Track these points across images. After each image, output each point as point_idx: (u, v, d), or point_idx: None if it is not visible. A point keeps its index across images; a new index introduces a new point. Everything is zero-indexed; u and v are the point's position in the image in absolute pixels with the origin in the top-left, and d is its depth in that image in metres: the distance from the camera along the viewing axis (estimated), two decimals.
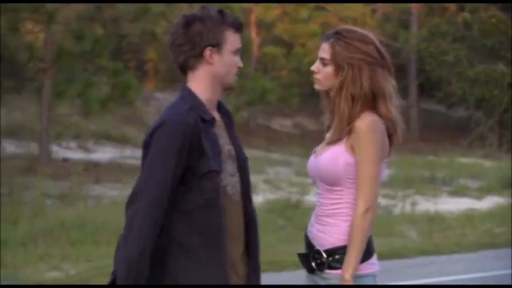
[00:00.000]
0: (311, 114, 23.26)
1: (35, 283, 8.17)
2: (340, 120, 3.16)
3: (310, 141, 21.23)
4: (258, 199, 13.00)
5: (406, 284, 8.35)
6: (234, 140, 3.12)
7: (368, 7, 24.48)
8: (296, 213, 11.91)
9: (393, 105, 3.22)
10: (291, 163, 17.46)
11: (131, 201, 2.94)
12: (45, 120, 15.31)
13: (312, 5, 22.37)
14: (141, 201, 2.91)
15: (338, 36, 3.20)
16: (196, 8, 3.14)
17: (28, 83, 16.51)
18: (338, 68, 3.18)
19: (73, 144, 17.66)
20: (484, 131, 22.94)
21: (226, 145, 3.08)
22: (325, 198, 3.19)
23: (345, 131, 3.14)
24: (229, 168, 3.05)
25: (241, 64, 3.16)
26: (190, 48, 3.05)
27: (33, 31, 16.02)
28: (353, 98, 3.16)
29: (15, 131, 17.46)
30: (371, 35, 3.20)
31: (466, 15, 23.29)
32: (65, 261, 8.92)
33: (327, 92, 3.26)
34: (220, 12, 3.08)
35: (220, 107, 3.15)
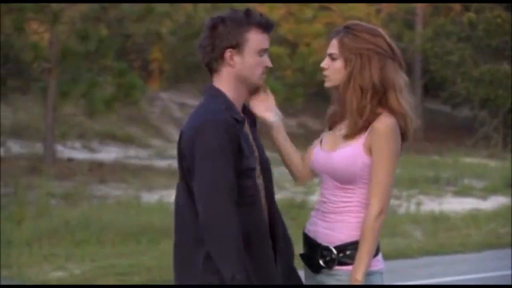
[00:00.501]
0: (315, 114, 23.24)
1: (39, 283, 8.18)
2: (351, 113, 3.13)
3: (312, 141, 21.21)
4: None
5: (411, 284, 8.34)
6: (257, 141, 3.14)
7: (373, 7, 24.46)
8: (300, 213, 11.90)
9: (405, 99, 3.16)
10: None
11: (208, 203, 2.90)
12: (50, 120, 15.33)
13: (317, 5, 22.35)
14: (220, 204, 2.90)
15: (347, 30, 3.18)
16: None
17: (33, 83, 16.53)
18: (347, 61, 3.15)
19: (77, 144, 17.69)
20: (489, 131, 22.91)
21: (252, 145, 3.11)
22: (334, 196, 3.16)
23: (359, 128, 3.11)
24: (257, 169, 3.09)
25: (269, 64, 3.14)
26: (211, 50, 3.07)
27: (38, 31, 16.03)
28: (362, 89, 3.13)
29: (20, 131, 17.49)
30: (380, 29, 3.19)
31: (471, 15, 23.26)
32: (70, 261, 8.93)
33: (337, 88, 3.22)
34: (247, 12, 3.09)
35: (243, 108, 3.17)
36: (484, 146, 21.99)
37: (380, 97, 3.12)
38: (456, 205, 13.48)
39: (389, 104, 3.13)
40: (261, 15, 3.11)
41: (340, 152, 3.14)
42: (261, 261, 3.01)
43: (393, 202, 13.44)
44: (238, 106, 3.10)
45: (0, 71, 15.73)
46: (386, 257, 10.66)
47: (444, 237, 10.84)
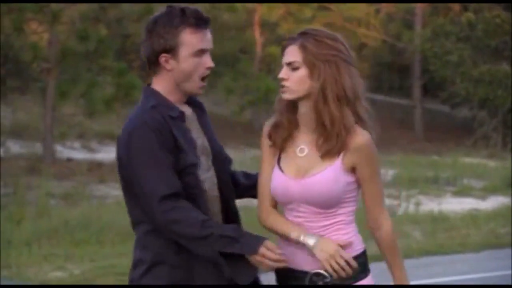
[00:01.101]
0: None
1: (39, 283, 8.18)
2: (333, 128, 2.83)
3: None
4: None
5: (410, 285, 8.35)
6: (207, 133, 3.04)
7: (372, 7, 24.47)
8: None
9: (367, 109, 2.94)
10: None
11: (154, 214, 2.86)
12: (49, 120, 15.33)
13: (316, 5, 22.36)
14: (168, 211, 2.85)
15: (306, 35, 2.89)
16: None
17: (32, 83, 16.54)
18: (313, 69, 2.85)
19: (77, 144, 17.68)
20: (488, 131, 22.93)
21: (199, 138, 3.01)
22: (313, 222, 2.90)
23: (337, 146, 2.85)
24: (204, 163, 2.98)
25: (209, 64, 2.99)
26: (148, 55, 3.02)
27: (37, 31, 16.03)
28: (339, 100, 2.85)
29: (19, 131, 17.49)
30: (337, 34, 2.92)
31: (470, 15, 23.27)
32: (69, 261, 8.93)
33: (293, 102, 2.90)
34: (182, 10, 2.97)
35: (190, 100, 3.06)
36: (483, 146, 22.00)
37: (351, 107, 2.87)
38: (455, 205, 13.48)
39: (359, 115, 2.90)
40: (196, 11, 2.99)
41: (319, 176, 2.86)
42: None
43: (392, 202, 13.43)
44: (179, 101, 3.00)
45: (0, 71, 15.73)
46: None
47: (444, 237, 10.84)
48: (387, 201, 13.44)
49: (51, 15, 14.76)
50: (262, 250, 2.82)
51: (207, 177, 2.98)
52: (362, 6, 23.58)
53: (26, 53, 15.56)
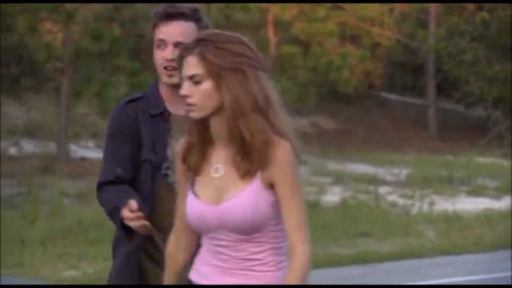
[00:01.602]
0: (328, 114, 23.22)
1: (53, 282, 8.21)
2: (251, 140, 2.48)
3: (327, 141, 21.21)
4: None
5: (424, 284, 8.32)
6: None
7: (386, 6, 24.41)
8: (313, 213, 11.89)
9: (283, 116, 2.57)
10: (308, 162, 17.44)
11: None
12: (63, 119, 15.38)
13: (329, 4, 22.33)
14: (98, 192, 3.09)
15: (205, 43, 2.53)
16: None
17: (46, 82, 16.59)
18: (218, 80, 2.50)
19: (90, 143, 17.73)
20: (502, 130, 22.82)
21: None
22: (239, 251, 2.53)
23: (257, 162, 2.50)
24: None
25: (166, 56, 3.01)
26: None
27: (51, 31, 16.09)
28: (251, 113, 2.50)
29: (33, 130, 17.56)
30: (241, 36, 2.60)
31: (484, 14, 23.17)
32: (83, 260, 8.96)
33: (203, 120, 2.55)
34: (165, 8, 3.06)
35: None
36: (497, 145, 21.90)
37: (266, 117, 2.53)
38: (469, 204, 13.43)
39: (273, 125, 2.52)
40: (169, 6, 3.05)
41: (238, 199, 2.51)
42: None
43: (406, 201, 13.41)
44: (177, 101, 3.00)
45: (14, 71, 15.79)
46: (399, 257, 10.62)
47: (457, 237, 10.81)
48: (401, 201, 13.43)
49: (65, 15, 14.81)
50: (123, 212, 2.81)
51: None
52: (376, 5, 23.53)
53: (40, 52, 15.62)
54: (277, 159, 2.50)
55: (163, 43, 3.04)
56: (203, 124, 2.57)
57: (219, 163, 2.57)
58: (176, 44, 3.01)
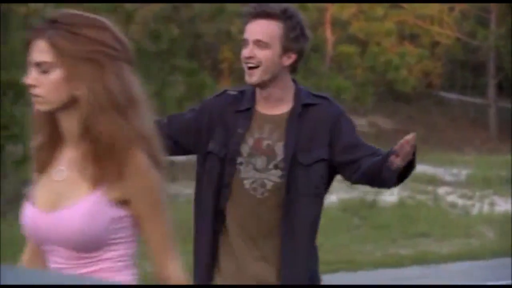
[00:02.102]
0: (386, 113, 23.05)
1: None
2: (106, 143, 2.14)
3: (385, 140, 21.03)
4: (332, 198, 12.95)
5: (484, 285, 8.21)
6: (288, 138, 3.02)
7: (445, 4, 24.12)
8: (371, 212, 11.83)
9: (147, 118, 2.25)
10: None
11: None
12: None
13: (388, 3, 22.17)
14: None
15: (57, 25, 2.16)
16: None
17: None
18: (70, 71, 2.15)
19: None
20: None
21: (265, 139, 3.04)
22: (73, 268, 2.22)
23: (108, 170, 2.15)
24: (258, 162, 3.01)
25: (244, 54, 3.05)
26: None
27: None
28: (106, 110, 2.15)
29: None
30: (104, 19, 2.24)
31: None
32: (143, 258, 9.03)
33: (51, 114, 2.20)
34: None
35: (302, 103, 3.08)
36: None
37: (126, 118, 2.18)
38: None
39: (132, 125, 2.17)
40: (252, 5, 3.08)
41: (71, 210, 2.17)
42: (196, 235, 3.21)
43: (466, 202, 13.25)
44: (268, 99, 3.06)
45: None
46: (459, 258, 10.46)
47: None
48: (461, 202, 13.26)
49: (125, 15, 14.99)
50: None
51: (254, 177, 3.02)
52: (435, 4, 23.27)
53: None
54: (136, 172, 2.14)
55: (245, 42, 3.06)
56: (51, 119, 2.20)
57: (64, 164, 2.21)
58: (256, 42, 3.03)
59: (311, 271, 3.08)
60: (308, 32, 3.13)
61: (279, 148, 3.03)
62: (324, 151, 3.05)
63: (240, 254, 3.05)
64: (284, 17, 3.06)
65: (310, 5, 18.54)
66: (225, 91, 3.17)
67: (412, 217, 11.56)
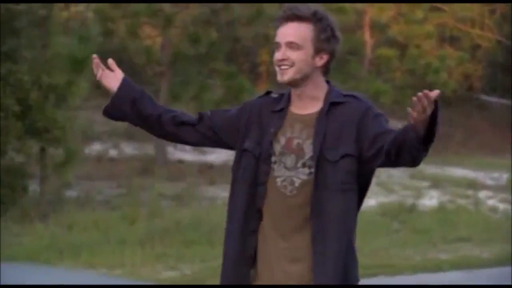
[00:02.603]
0: None
1: (153, 283, 8.34)
2: None
3: None
4: (370, 202, 12.88)
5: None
6: (316, 136, 3.08)
7: (486, 7, 23.88)
8: (410, 216, 11.75)
9: None
10: None
11: None
12: None
13: (428, 5, 22.00)
14: None
15: None
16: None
17: (145, 86, 16.89)
18: None
19: (188, 146, 17.97)
20: None
21: (295, 138, 3.11)
22: None
23: None
24: (288, 161, 3.09)
25: (277, 57, 3.12)
26: None
27: (151, 36, 16.39)
28: None
29: (132, 133, 17.90)
30: None
31: None
32: (181, 261, 9.07)
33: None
34: None
35: (330, 101, 3.14)
36: None
37: None
38: None
39: None
40: (285, 8, 3.14)
41: None
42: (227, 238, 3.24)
43: (507, 206, 13.09)
44: (301, 98, 3.15)
45: None
46: (501, 263, 10.22)
47: None
48: (502, 206, 13.10)
49: (164, 19, 15.07)
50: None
51: (285, 175, 3.09)
52: (476, 6, 23.05)
53: (140, 56, 15.93)
54: None
55: (278, 45, 3.13)
56: None
57: None
58: (288, 44, 3.10)
59: (345, 270, 3.07)
60: (338, 33, 3.17)
61: (308, 147, 3.09)
62: (351, 147, 3.08)
63: (273, 252, 3.10)
64: (315, 19, 3.12)
65: (348, 8, 18.48)
66: (268, 92, 3.25)
67: (452, 221, 11.46)
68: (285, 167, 3.09)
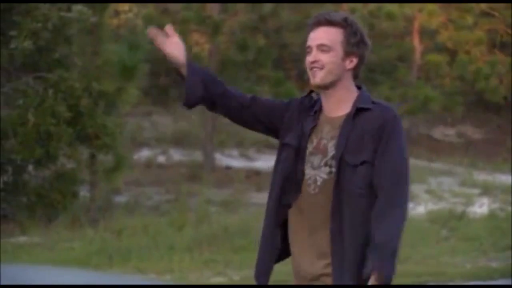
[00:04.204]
0: (476, 123, 22.62)
1: None
2: None
3: (474, 151, 20.66)
4: (419, 209, 12.77)
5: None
6: (340, 138, 3.17)
7: None
8: (460, 224, 11.62)
9: None
10: (455, 173, 17.06)
11: None
12: (209, 128, 15.70)
13: (478, 11, 21.78)
14: None
15: None
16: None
17: None
18: None
19: (235, 152, 18.01)
20: None
21: (323, 139, 3.22)
22: None
23: None
24: (315, 160, 3.20)
25: (309, 60, 3.23)
26: None
27: (199, 42, 16.48)
28: None
29: (180, 139, 18.02)
30: None
31: None
32: (229, 267, 9.09)
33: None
34: None
35: (357, 106, 3.21)
36: None
37: None
38: None
39: None
40: (319, 14, 3.26)
41: None
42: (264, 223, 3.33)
43: None
44: (330, 101, 3.24)
45: (163, 82, 16.25)
46: None
47: None
48: None
49: (212, 26, 15.14)
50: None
51: (311, 174, 3.20)
52: None
53: None
54: None
55: (309, 49, 3.25)
56: None
57: None
58: (319, 47, 3.22)
59: (364, 273, 3.13)
60: (367, 39, 3.27)
61: (331, 147, 3.20)
62: (370, 154, 3.16)
63: (297, 249, 3.26)
64: (345, 24, 3.23)
65: (398, 14, 18.38)
66: (311, 91, 3.34)
67: (503, 229, 11.30)
68: (312, 167, 3.20)
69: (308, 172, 3.21)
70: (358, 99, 3.23)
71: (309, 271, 3.22)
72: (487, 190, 15.16)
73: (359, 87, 3.28)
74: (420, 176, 15.24)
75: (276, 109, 3.33)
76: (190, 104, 3.39)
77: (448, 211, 12.52)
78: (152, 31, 3.37)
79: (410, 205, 14.85)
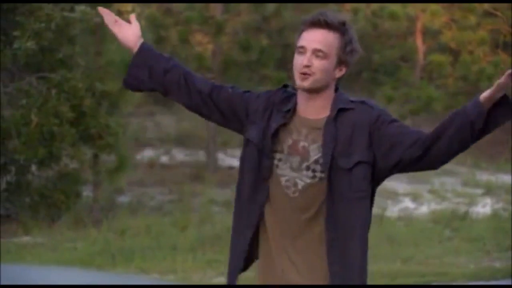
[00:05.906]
0: None
1: None
2: None
3: (477, 151, 20.65)
4: (422, 209, 12.77)
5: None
6: (325, 141, 3.08)
7: None
8: (463, 224, 11.61)
9: None
10: (458, 173, 17.05)
11: None
12: (212, 128, 15.71)
13: (481, 11, 21.77)
14: None
15: None
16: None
17: None
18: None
19: (238, 152, 18.00)
20: None
21: (301, 141, 3.11)
22: None
23: None
24: (294, 162, 3.09)
25: (299, 62, 3.09)
26: None
27: (202, 43, 16.49)
28: None
29: (183, 139, 18.03)
30: None
31: None
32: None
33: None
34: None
35: (338, 107, 3.13)
36: None
37: None
38: None
39: None
40: (316, 14, 3.14)
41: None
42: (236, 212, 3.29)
43: None
44: (310, 104, 3.13)
45: None
46: None
47: None
48: None
49: (215, 27, 15.15)
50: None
51: (290, 175, 3.11)
52: None
53: (191, 63, 16.02)
54: None
55: (303, 49, 3.11)
56: None
57: None
58: (315, 51, 3.09)
59: (363, 277, 3.11)
60: (358, 46, 3.17)
61: (313, 150, 3.10)
62: (364, 154, 3.08)
63: (275, 252, 3.15)
64: (343, 29, 3.11)
65: (400, 14, 18.37)
66: (286, 85, 3.25)
67: (506, 229, 11.29)
68: (291, 167, 3.11)
69: (287, 173, 3.12)
70: (335, 101, 3.13)
71: (279, 278, 3.14)
72: (490, 190, 15.15)
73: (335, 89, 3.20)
74: (423, 176, 15.23)
75: (242, 99, 3.22)
76: (130, 87, 3.31)
77: (451, 211, 12.51)
78: (102, 9, 3.34)
79: (413, 205, 14.83)
